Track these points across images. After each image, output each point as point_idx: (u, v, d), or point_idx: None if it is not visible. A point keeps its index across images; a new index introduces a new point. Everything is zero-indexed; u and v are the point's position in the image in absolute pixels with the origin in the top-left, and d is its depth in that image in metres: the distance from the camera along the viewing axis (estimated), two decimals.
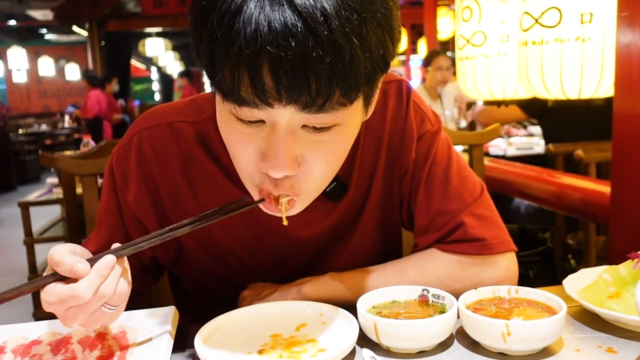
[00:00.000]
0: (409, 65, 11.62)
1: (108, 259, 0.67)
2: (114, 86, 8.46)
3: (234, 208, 0.77)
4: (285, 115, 0.64)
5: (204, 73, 0.68)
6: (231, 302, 0.94)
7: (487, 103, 2.04)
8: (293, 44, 0.57)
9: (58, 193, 3.33)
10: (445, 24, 8.31)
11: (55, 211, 4.54)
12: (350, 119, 0.68)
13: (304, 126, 0.66)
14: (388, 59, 0.66)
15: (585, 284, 0.85)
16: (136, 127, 0.90)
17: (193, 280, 0.99)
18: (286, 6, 0.58)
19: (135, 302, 0.95)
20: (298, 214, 0.78)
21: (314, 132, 0.67)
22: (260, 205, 0.75)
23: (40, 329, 0.81)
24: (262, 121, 0.66)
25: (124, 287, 0.69)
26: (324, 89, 0.60)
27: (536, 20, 1.50)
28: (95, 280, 0.65)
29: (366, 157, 0.92)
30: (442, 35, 8.21)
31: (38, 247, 3.39)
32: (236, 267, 0.95)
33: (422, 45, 9.70)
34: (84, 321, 0.67)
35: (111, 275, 0.67)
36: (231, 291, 0.95)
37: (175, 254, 0.95)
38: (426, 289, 0.82)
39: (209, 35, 0.61)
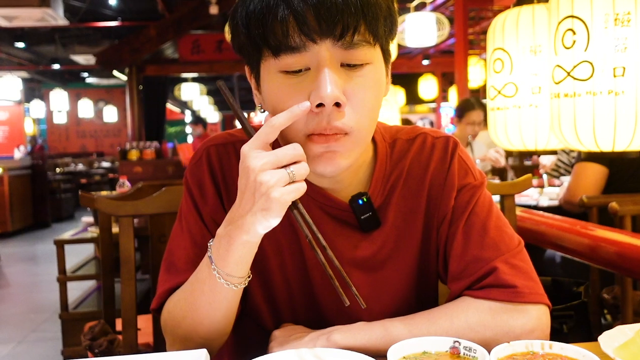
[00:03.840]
0: (440, 113, 11.69)
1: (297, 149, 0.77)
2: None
3: None
4: (326, 50, 0.78)
5: (252, 57, 0.85)
6: (272, 322, 0.99)
7: (520, 154, 2.04)
8: None
9: (93, 232, 3.39)
10: (476, 73, 8.40)
11: (87, 249, 4.63)
12: (375, 62, 0.83)
13: (342, 65, 0.80)
14: (393, 10, 0.83)
15: (622, 341, 0.83)
16: (204, 145, 1.00)
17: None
18: None
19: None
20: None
21: (350, 70, 0.81)
22: (314, 149, 0.83)
23: None
24: (308, 69, 0.80)
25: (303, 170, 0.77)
26: (353, 18, 0.76)
27: (568, 73, 1.51)
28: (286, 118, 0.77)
29: (406, 200, 0.97)
30: (473, 83, 8.29)
31: (70, 285, 3.45)
32: (279, 285, 0.98)
33: (453, 93, 9.80)
34: (268, 159, 0.75)
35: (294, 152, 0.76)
36: (271, 314, 0.99)
37: None
38: (458, 341, 0.81)
39: (257, 11, 0.78)
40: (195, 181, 0.98)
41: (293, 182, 0.75)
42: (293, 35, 0.77)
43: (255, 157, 0.76)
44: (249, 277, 0.87)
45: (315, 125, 0.81)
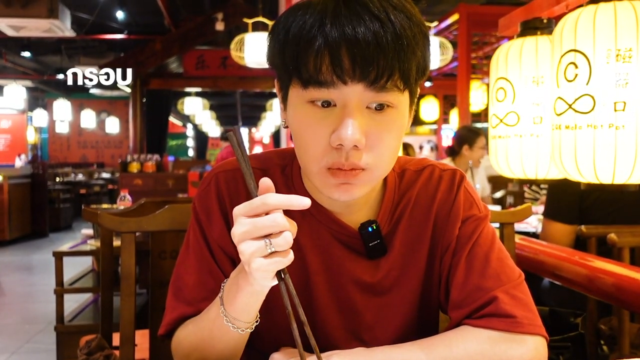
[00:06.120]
0: (440, 135, 11.72)
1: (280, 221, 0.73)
2: None
3: None
4: (355, 94, 0.79)
5: (282, 79, 0.86)
6: (271, 346, 0.98)
7: (520, 182, 2.06)
8: (364, 28, 0.75)
9: (92, 245, 3.39)
10: (477, 97, 8.44)
11: (84, 260, 4.61)
12: (400, 107, 0.84)
13: (367, 107, 0.81)
14: (427, 57, 0.83)
15: None
16: (212, 172, 1.01)
17: None
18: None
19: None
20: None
21: (375, 112, 0.82)
22: (331, 180, 0.84)
23: None
24: (334, 106, 0.81)
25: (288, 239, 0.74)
26: (389, 64, 0.77)
27: (570, 105, 1.54)
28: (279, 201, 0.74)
29: (412, 229, 0.99)
30: (474, 107, 8.33)
31: (65, 297, 3.43)
32: (283, 310, 0.98)
33: (454, 116, 9.84)
34: (246, 228, 0.73)
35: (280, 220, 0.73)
36: (272, 338, 0.99)
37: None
38: None
39: (294, 37, 0.79)
40: (203, 207, 0.99)
41: (275, 252, 0.73)
42: (325, 72, 0.78)
43: (239, 223, 0.74)
44: (256, 321, 0.88)
45: (334, 160, 0.82)
